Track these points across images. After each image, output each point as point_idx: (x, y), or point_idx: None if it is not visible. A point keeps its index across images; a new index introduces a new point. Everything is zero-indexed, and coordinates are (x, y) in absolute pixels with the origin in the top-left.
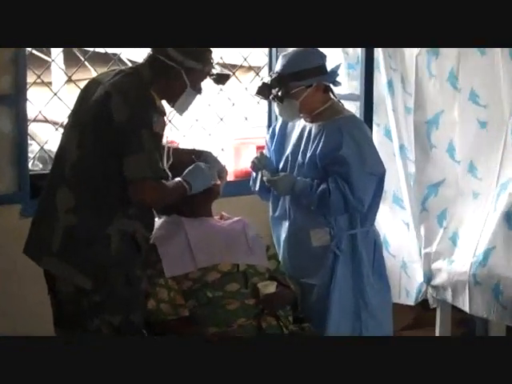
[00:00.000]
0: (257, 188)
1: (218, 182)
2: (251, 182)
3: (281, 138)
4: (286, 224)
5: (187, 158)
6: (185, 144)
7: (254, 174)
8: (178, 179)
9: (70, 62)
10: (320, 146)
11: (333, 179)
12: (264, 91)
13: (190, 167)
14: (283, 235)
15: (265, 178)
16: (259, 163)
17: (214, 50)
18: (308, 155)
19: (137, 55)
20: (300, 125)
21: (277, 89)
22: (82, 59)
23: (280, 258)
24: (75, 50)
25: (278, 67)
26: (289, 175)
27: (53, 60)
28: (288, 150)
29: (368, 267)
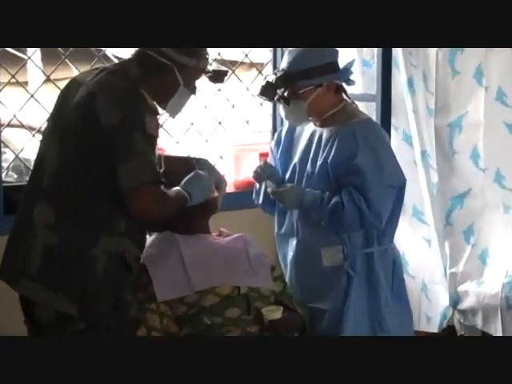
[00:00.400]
0: (260, 201)
1: (216, 194)
2: (254, 194)
3: (287, 145)
4: (293, 241)
5: (181, 167)
6: (178, 151)
7: (257, 184)
8: (176, 188)
9: (49, 59)
10: (332, 153)
11: (346, 191)
12: (268, 91)
13: (190, 175)
14: (290, 254)
15: (269, 190)
16: (263, 173)
17: None
18: (318, 164)
19: (123, 51)
20: (309, 129)
21: (283, 89)
22: (62, 56)
23: (287, 279)
24: None
25: (283, 64)
26: (296, 186)
27: (29, 57)
28: (295, 158)
29: (386, 290)
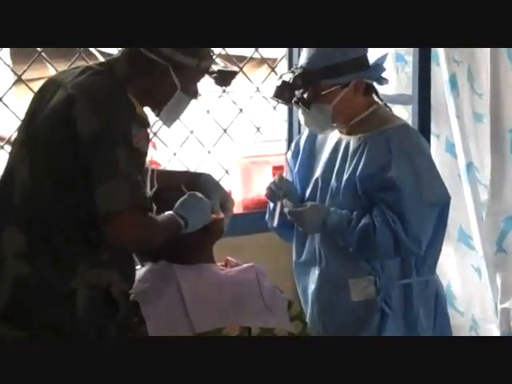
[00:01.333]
0: (275, 223)
1: (222, 216)
2: (267, 216)
3: (307, 156)
4: (315, 272)
5: (179, 184)
6: (175, 165)
7: (271, 204)
8: (169, 213)
9: (20, 56)
10: (361, 165)
11: (379, 211)
12: (284, 93)
13: (184, 197)
14: (312, 287)
15: (286, 210)
16: (278, 190)
17: None
18: (345, 178)
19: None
20: (333, 138)
21: (302, 90)
22: (36, 53)
23: (307, 317)
24: None
25: (302, 60)
26: (319, 205)
27: None
28: (317, 172)
29: (427, 329)
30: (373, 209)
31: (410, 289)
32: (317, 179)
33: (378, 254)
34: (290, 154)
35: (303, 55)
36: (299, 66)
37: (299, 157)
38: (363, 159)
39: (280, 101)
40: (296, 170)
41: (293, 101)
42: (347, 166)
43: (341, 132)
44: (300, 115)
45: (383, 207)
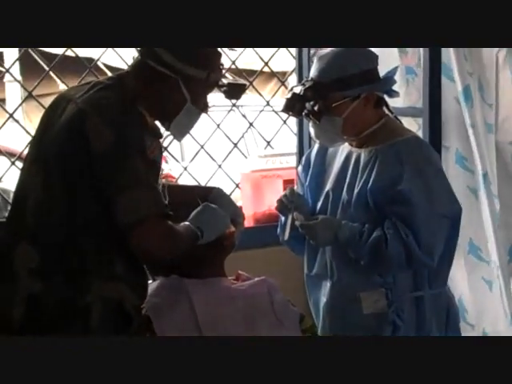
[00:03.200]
0: (286, 237)
1: (233, 230)
2: (278, 230)
3: (318, 169)
4: (327, 285)
5: (189, 197)
6: (186, 179)
7: (283, 217)
8: (185, 223)
9: (30, 71)
10: (372, 178)
11: (390, 223)
12: (295, 106)
13: (199, 208)
14: (323, 300)
15: (298, 223)
16: (289, 203)
17: (223, 51)
18: (356, 191)
19: (118, 61)
20: (344, 151)
21: (312, 102)
22: (46, 68)
23: (319, 330)
24: (36, 56)
25: (313, 73)
26: (330, 218)
27: (7, 70)
28: (328, 185)
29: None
30: (384, 221)
31: (422, 301)
32: (328, 192)
33: (389, 267)
34: (300, 168)
35: (314, 68)
36: (309, 78)
37: (310, 170)
38: (374, 172)
39: (291, 113)
40: (307, 183)
41: (303, 113)
42: (358, 178)
43: (351, 145)
44: (310, 128)
45: (395, 220)
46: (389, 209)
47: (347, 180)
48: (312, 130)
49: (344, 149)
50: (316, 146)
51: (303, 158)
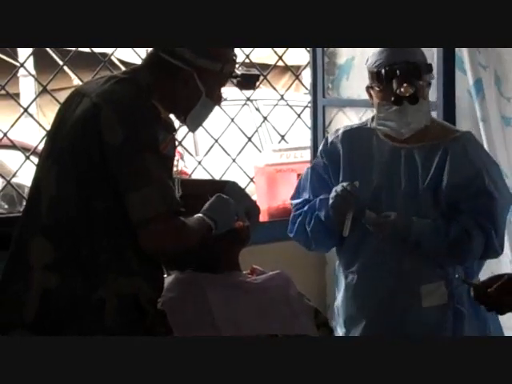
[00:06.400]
0: (346, 233)
1: (247, 224)
2: (289, 226)
3: (349, 161)
4: (380, 281)
5: (204, 191)
6: (200, 174)
7: (294, 213)
8: (198, 215)
9: (44, 66)
10: (445, 175)
11: (469, 217)
12: (408, 89)
13: (212, 199)
14: (374, 297)
15: (367, 221)
16: (352, 198)
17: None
18: (422, 187)
19: (132, 56)
20: (382, 148)
21: (406, 84)
22: (60, 62)
23: (362, 330)
24: (50, 51)
25: (400, 56)
26: (403, 215)
27: (21, 64)
28: (376, 181)
29: (493, 330)
30: (459, 216)
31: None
32: (377, 188)
33: (467, 260)
34: (320, 157)
35: (397, 52)
36: (403, 61)
37: (341, 161)
38: (447, 169)
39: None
40: (332, 174)
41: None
42: (420, 175)
43: (392, 140)
44: (400, 111)
45: (475, 214)
46: (469, 204)
47: (403, 177)
48: (402, 115)
49: (380, 145)
50: (339, 134)
51: (321, 153)
